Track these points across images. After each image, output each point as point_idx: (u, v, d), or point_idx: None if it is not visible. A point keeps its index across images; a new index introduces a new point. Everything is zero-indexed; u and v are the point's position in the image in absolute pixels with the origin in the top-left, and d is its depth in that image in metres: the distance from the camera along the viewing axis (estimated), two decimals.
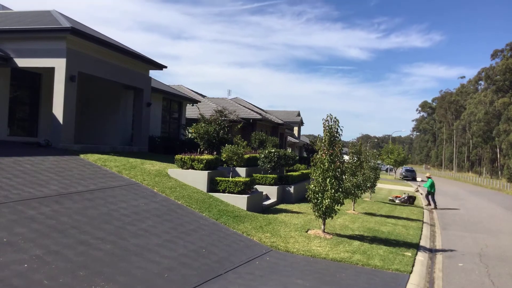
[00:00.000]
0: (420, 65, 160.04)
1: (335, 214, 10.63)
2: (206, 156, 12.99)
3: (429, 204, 21.67)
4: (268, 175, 15.38)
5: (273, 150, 16.08)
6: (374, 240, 10.82)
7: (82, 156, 12.77)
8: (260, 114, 34.10)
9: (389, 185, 37.26)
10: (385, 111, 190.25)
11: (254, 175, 15.22)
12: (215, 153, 14.09)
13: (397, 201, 21.61)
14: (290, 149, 45.58)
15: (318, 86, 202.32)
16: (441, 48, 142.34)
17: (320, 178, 10.47)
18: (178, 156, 13.11)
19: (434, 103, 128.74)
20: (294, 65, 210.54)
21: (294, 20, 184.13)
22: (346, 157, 15.85)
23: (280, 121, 37.98)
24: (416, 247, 10.70)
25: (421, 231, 13.27)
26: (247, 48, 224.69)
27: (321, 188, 10.39)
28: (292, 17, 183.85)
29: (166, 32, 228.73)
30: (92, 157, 12.76)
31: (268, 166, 15.76)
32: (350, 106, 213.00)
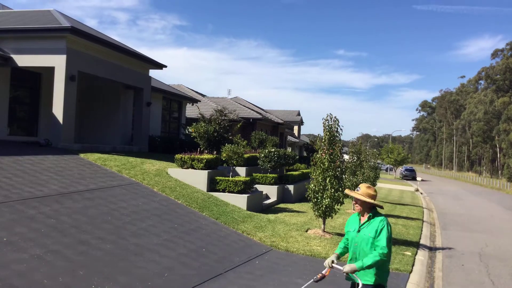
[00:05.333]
0: (406, 89, 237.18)
1: (335, 214, 10.63)
2: (206, 156, 12.99)
3: None
4: (268, 174, 15.38)
5: (273, 149, 16.08)
6: None
7: (82, 155, 12.76)
8: (260, 113, 34.06)
9: (389, 185, 37.27)
10: (385, 119, 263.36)
11: (254, 174, 15.22)
12: (215, 152, 14.08)
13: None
14: (290, 149, 45.55)
15: (332, 102, 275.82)
16: (419, 82, 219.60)
17: (320, 178, 10.46)
18: (178, 156, 13.11)
19: (434, 103, 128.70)
20: (318, 89, 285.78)
21: (323, 67, 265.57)
22: (346, 157, 15.87)
23: (280, 121, 37.96)
24: (416, 246, 10.70)
25: (421, 230, 13.27)
26: (282, 79, 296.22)
27: (321, 187, 10.39)
28: (323, 66, 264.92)
29: (221, 70, 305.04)
30: (92, 157, 12.76)
31: (268, 165, 15.75)
32: (355, 116, 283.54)
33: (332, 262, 4.22)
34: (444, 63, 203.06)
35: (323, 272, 4.17)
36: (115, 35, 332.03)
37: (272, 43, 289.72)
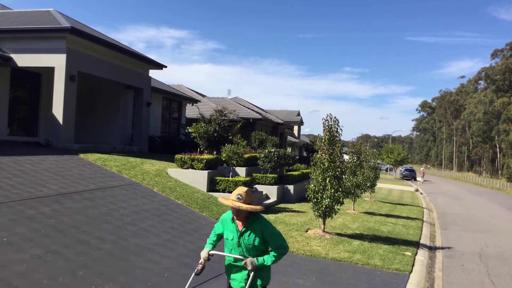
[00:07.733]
0: (402, 97, 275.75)
1: (335, 214, 10.63)
2: (206, 156, 12.99)
3: None
4: (268, 174, 15.38)
5: (273, 149, 16.08)
6: (374, 239, 10.81)
7: (82, 155, 12.76)
8: (260, 113, 34.08)
9: (389, 185, 37.27)
10: (385, 122, 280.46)
11: (254, 174, 15.23)
12: (215, 152, 14.09)
13: None
14: (290, 149, 45.55)
15: (337, 107, 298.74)
16: (412, 91, 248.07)
17: (320, 178, 10.45)
18: (178, 156, 13.11)
19: (434, 103, 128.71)
20: (326, 96, 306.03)
21: (332, 80, 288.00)
22: (346, 157, 15.85)
23: (280, 121, 37.97)
24: (416, 246, 10.69)
25: (421, 230, 13.26)
26: (294, 89, 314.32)
27: (321, 187, 10.39)
28: (332, 78, 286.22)
29: (237, 81, 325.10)
30: (92, 157, 12.76)
31: (268, 165, 15.75)
32: (357, 119, 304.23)
33: (209, 252, 4.05)
34: (432, 78, 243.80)
35: (200, 263, 4.01)
36: (158, 55, 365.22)
37: (292, 60, 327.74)
